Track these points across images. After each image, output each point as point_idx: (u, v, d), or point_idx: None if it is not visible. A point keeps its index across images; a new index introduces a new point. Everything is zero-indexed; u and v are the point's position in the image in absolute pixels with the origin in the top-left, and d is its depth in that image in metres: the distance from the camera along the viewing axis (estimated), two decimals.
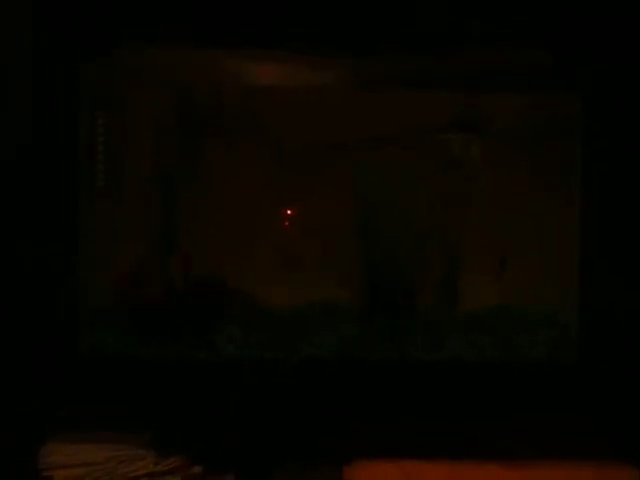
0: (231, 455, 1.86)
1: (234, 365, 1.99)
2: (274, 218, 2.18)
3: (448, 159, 2.14)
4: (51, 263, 1.90)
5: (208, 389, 1.94)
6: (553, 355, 2.03)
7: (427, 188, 2.12)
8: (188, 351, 2.00)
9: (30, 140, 1.83)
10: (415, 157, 2.13)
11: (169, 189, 2.16)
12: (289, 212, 2.18)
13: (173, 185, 2.16)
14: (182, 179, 2.16)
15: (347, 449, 1.84)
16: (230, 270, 2.10)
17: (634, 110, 1.92)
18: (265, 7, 1.91)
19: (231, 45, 1.98)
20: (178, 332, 2.02)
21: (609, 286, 1.95)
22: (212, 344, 2.01)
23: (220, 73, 2.07)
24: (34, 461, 1.75)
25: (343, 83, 2.05)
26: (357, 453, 1.82)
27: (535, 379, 1.98)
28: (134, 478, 1.76)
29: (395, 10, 1.90)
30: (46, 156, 1.89)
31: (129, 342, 2.01)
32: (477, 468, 1.77)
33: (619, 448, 1.85)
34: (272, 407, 1.93)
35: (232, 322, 2.06)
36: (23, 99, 1.82)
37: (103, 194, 2.08)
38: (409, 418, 1.94)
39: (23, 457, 1.76)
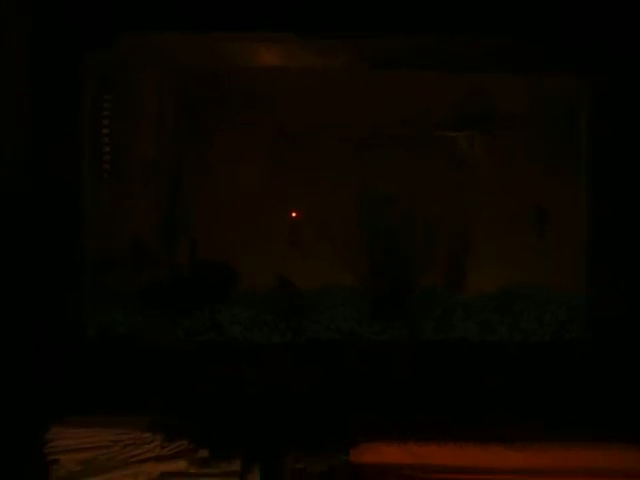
0: (237, 439, 1.85)
1: (240, 346, 1.98)
2: (281, 201, 2.18)
3: (455, 147, 2.14)
4: (57, 246, 1.90)
5: (214, 371, 1.93)
6: (561, 334, 2.02)
7: (435, 172, 2.11)
8: (194, 333, 1.99)
9: (30, 128, 1.85)
10: (422, 143, 2.12)
11: (175, 173, 2.15)
12: (297, 195, 2.18)
13: (179, 169, 2.15)
14: (188, 163, 2.16)
15: (354, 431, 1.83)
16: (236, 253, 2.10)
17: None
18: None
19: (236, 28, 1.96)
20: (184, 314, 2.01)
21: (616, 267, 1.93)
22: (218, 325, 2.00)
23: (225, 56, 2.06)
24: (40, 445, 1.75)
25: (349, 65, 2.03)
26: (364, 435, 1.81)
27: (543, 359, 1.96)
28: (140, 462, 1.75)
29: None
30: (50, 141, 1.89)
31: (135, 324, 2.00)
32: (483, 449, 1.76)
33: (628, 428, 1.84)
34: (278, 389, 1.92)
35: (238, 304, 2.05)
36: (24, 85, 1.83)
37: (108, 177, 2.08)
38: (417, 400, 1.92)
39: (29, 442, 1.76)
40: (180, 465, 1.76)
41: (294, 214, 2.19)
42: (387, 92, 2.11)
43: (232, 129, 2.16)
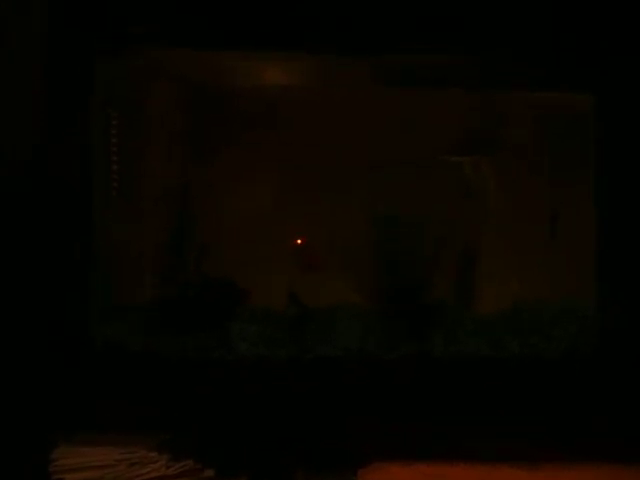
0: (244, 458, 1.83)
1: (247, 363, 1.97)
2: (290, 218, 2.17)
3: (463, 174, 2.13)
4: (65, 259, 1.88)
5: (221, 389, 1.91)
6: (571, 350, 1.99)
7: (443, 187, 2.10)
8: (201, 349, 1.98)
9: (45, 139, 1.84)
10: (432, 163, 2.11)
11: (183, 190, 2.15)
12: (305, 212, 2.17)
13: (188, 186, 2.15)
14: (196, 181, 2.15)
15: (362, 450, 1.81)
16: (244, 270, 2.09)
17: None
18: (279, 7, 1.89)
19: (246, 45, 1.95)
20: (191, 330, 2.00)
21: (627, 280, 1.91)
22: (225, 342, 1.98)
23: (236, 74, 2.06)
24: (45, 464, 1.74)
25: (358, 83, 2.02)
26: (372, 454, 1.79)
27: (552, 375, 1.93)
28: None
29: (408, 8, 1.88)
30: (61, 154, 1.88)
31: (142, 340, 1.98)
32: (494, 469, 1.74)
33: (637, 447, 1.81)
34: (286, 408, 1.90)
35: (246, 321, 2.04)
36: (38, 97, 1.83)
37: (117, 192, 2.08)
38: (426, 417, 1.90)
39: (34, 460, 1.75)
40: None
41: (301, 239, 2.18)
42: (400, 111, 2.10)
43: (241, 148, 2.16)
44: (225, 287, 2.08)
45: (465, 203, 2.13)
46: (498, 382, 1.91)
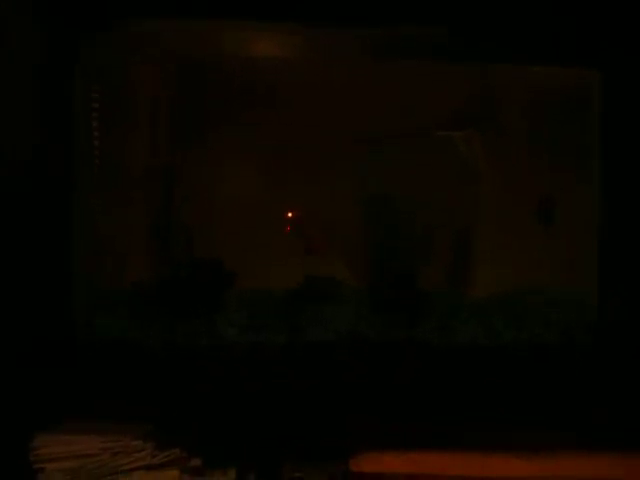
0: (232, 447, 1.79)
1: (235, 350, 1.92)
2: (279, 200, 2.11)
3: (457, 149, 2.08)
4: (46, 246, 1.84)
5: (208, 377, 1.86)
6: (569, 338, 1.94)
7: (438, 170, 2.04)
8: (188, 336, 1.92)
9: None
10: (426, 141, 2.05)
11: (169, 170, 2.09)
12: (294, 194, 2.11)
13: (173, 167, 2.09)
14: (184, 161, 2.09)
15: (353, 439, 1.77)
16: (232, 253, 2.03)
17: None
18: None
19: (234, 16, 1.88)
20: (177, 316, 1.94)
21: (630, 266, 1.87)
22: (213, 328, 1.93)
23: (224, 46, 1.99)
24: (25, 453, 1.68)
25: (354, 56, 1.96)
26: (364, 443, 1.74)
27: (550, 363, 1.89)
28: (129, 470, 1.69)
29: None
30: (41, 140, 1.83)
31: (126, 327, 1.93)
32: (487, 457, 1.70)
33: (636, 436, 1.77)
34: (275, 395, 1.85)
35: (233, 305, 1.98)
36: (21, 82, 1.77)
37: (99, 176, 2.00)
38: (418, 406, 1.86)
39: (13, 449, 1.70)
40: (172, 474, 1.70)
41: (298, 217, 2.12)
42: (394, 85, 2.03)
43: (231, 124, 2.09)
44: (213, 269, 2.03)
45: (460, 185, 2.07)
46: (493, 369, 1.87)
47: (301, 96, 2.05)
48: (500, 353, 1.91)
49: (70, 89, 1.88)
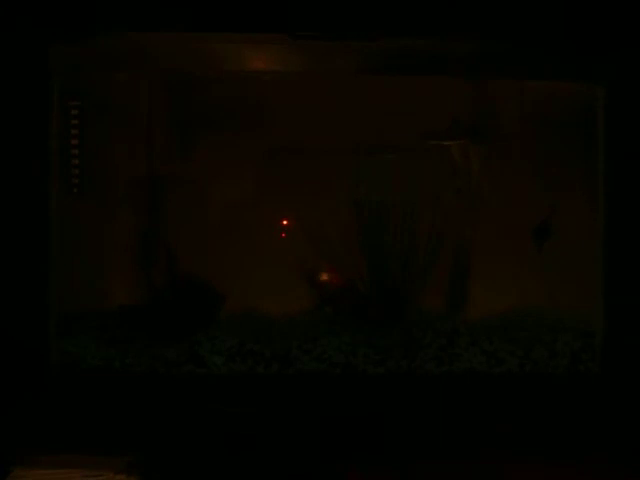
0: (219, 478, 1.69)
1: (222, 379, 1.83)
2: (270, 221, 2.04)
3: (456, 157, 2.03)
4: (21, 266, 1.75)
5: (193, 406, 1.77)
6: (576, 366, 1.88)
7: (435, 187, 1.98)
8: (171, 364, 1.83)
9: None
10: (422, 158, 1.99)
11: (153, 186, 2.01)
12: (287, 216, 2.05)
13: (158, 181, 2.01)
14: (167, 175, 2.01)
15: (346, 474, 1.68)
16: (220, 276, 1.94)
17: None
18: None
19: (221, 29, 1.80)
20: (161, 342, 1.85)
21: (635, 293, 1.80)
22: (198, 356, 1.83)
23: (211, 59, 1.90)
24: None
25: (344, 70, 1.88)
26: (357, 473, 1.66)
27: (556, 391, 1.83)
28: None
29: None
30: (16, 151, 1.74)
31: (105, 354, 1.83)
32: None
33: None
34: (264, 426, 1.77)
35: (222, 331, 1.89)
36: None
37: (77, 193, 1.90)
38: (417, 438, 1.78)
39: None
40: None
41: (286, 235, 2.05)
42: (385, 98, 1.98)
43: (217, 137, 2.02)
44: (200, 292, 1.93)
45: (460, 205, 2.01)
46: (495, 396, 1.80)
47: (291, 108, 1.98)
48: (501, 378, 1.84)
49: (46, 103, 1.78)
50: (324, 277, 2.02)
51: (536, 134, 2.03)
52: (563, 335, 1.89)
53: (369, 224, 1.96)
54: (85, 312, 1.94)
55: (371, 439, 1.77)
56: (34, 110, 1.76)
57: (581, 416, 1.80)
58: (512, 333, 1.91)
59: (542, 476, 1.67)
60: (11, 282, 1.74)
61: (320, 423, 1.77)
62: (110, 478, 1.61)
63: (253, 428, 1.76)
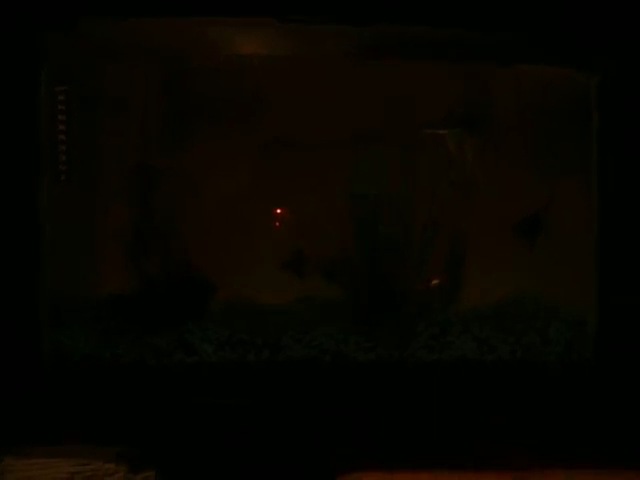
0: (210, 470, 1.70)
1: (213, 367, 1.83)
2: (263, 211, 2.04)
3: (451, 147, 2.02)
4: (12, 257, 1.75)
5: (184, 395, 1.78)
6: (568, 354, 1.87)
7: (429, 178, 1.97)
8: (163, 353, 1.83)
9: None
10: (417, 146, 1.98)
11: (147, 174, 2.01)
12: (280, 206, 2.04)
13: (149, 172, 2.01)
14: (160, 164, 2.01)
15: (336, 460, 1.69)
16: (213, 266, 1.95)
17: None
18: None
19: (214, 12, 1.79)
20: (152, 331, 1.85)
21: (628, 281, 1.80)
22: (189, 344, 1.84)
23: (201, 43, 1.89)
24: None
25: (334, 54, 1.87)
26: (347, 463, 1.67)
27: (549, 379, 1.82)
28: None
29: None
30: (4, 139, 1.74)
31: (96, 343, 1.84)
32: (478, 478, 1.63)
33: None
34: (255, 414, 1.76)
35: (213, 320, 1.89)
36: None
37: (67, 181, 1.90)
38: (407, 424, 1.78)
39: None
40: None
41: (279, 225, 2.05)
42: (380, 84, 1.97)
43: (211, 125, 2.01)
44: (192, 281, 1.94)
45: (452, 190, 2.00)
46: (486, 387, 1.80)
47: (282, 94, 1.97)
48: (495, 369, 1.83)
49: (37, 90, 1.78)
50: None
51: (532, 125, 2.02)
52: (556, 323, 1.89)
53: (363, 216, 1.96)
54: (77, 302, 1.94)
55: (361, 428, 1.78)
56: (23, 97, 1.75)
57: (574, 404, 1.79)
58: (505, 322, 1.91)
59: (537, 465, 1.67)
60: (1, 273, 1.74)
61: (311, 411, 1.77)
62: (99, 468, 1.62)
63: (244, 418, 1.76)
